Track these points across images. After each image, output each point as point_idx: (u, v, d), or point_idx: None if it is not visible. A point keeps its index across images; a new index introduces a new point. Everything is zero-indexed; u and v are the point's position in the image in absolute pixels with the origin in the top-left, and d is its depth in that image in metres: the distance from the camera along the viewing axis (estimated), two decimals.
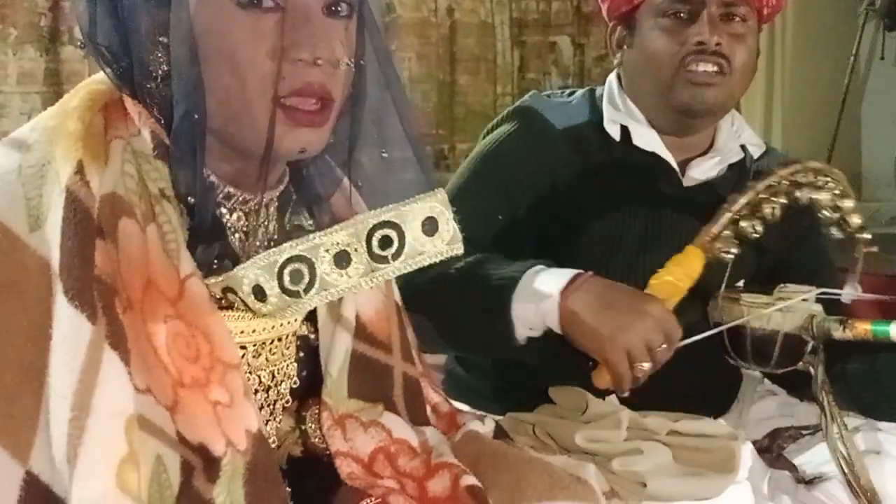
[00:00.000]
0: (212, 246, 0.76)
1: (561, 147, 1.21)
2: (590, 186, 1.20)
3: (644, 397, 1.07)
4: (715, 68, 1.17)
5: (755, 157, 1.28)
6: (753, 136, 1.30)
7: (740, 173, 1.25)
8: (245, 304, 0.74)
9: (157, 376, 0.68)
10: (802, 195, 1.08)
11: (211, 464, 0.69)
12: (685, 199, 1.22)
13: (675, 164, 1.23)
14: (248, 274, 0.71)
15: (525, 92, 1.52)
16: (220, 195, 0.77)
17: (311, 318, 0.85)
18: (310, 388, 0.85)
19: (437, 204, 0.74)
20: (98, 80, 0.76)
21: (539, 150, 1.22)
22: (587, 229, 1.20)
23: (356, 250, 0.71)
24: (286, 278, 0.71)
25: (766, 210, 1.08)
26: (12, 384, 0.64)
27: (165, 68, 0.72)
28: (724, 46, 1.16)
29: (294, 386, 0.84)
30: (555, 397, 1.10)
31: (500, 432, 0.99)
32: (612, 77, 1.29)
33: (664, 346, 1.01)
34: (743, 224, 1.08)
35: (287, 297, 0.71)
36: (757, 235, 1.09)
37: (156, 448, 0.66)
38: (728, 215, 1.09)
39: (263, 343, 0.80)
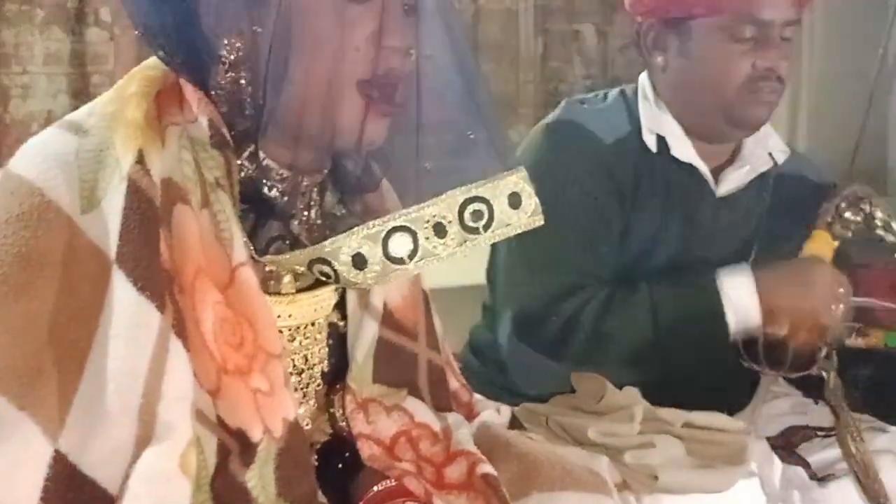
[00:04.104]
0: (269, 226, 0.79)
1: (614, 160, 1.21)
2: (635, 197, 1.21)
3: (661, 394, 1.08)
4: (776, 91, 1.19)
5: (780, 162, 1.28)
6: (780, 142, 1.30)
7: (762, 179, 1.27)
8: (331, 276, 0.76)
9: (202, 361, 0.70)
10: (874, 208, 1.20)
11: (247, 449, 0.71)
12: (717, 208, 1.24)
13: (709, 175, 1.24)
14: (349, 243, 0.74)
15: (548, 80, 1.53)
16: (276, 178, 0.79)
17: (339, 306, 0.87)
18: (337, 374, 0.87)
19: (520, 180, 0.77)
20: (151, 65, 0.76)
21: (597, 168, 1.21)
22: (628, 238, 1.21)
23: (450, 222, 0.75)
24: (391, 247, 0.74)
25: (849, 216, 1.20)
26: (53, 360, 0.65)
27: (239, 54, 0.73)
28: (783, 69, 1.18)
29: (325, 370, 0.86)
30: (575, 383, 1.11)
31: (515, 422, 1.01)
32: (644, 81, 1.27)
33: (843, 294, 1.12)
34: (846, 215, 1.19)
35: (391, 264, 0.74)
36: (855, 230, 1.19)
37: (197, 431, 0.69)
38: (835, 201, 1.20)
39: (298, 327, 0.83)
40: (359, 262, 0.74)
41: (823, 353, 1.07)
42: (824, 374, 1.06)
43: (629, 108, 1.26)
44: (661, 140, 1.22)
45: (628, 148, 1.22)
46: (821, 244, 1.18)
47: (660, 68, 1.24)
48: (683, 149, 1.22)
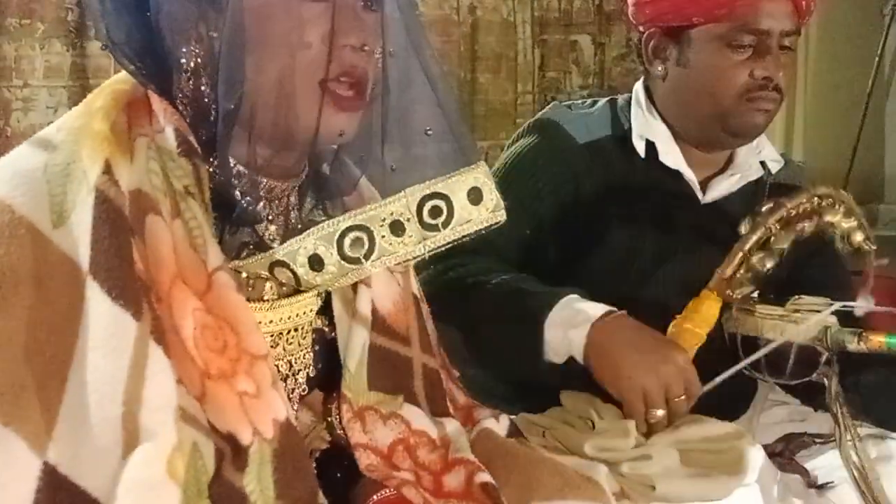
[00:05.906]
0: (240, 232, 0.79)
1: (582, 161, 1.22)
2: (610, 200, 1.21)
3: None
4: (773, 100, 1.19)
5: (773, 171, 1.29)
6: (773, 151, 1.30)
7: (756, 188, 1.27)
8: (292, 279, 0.75)
9: (185, 368, 0.70)
10: (808, 227, 1.06)
11: (239, 452, 0.71)
12: (702, 216, 1.24)
13: (696, 183, 1.24)
14: (305, 245, 0.73)
15: (546, 91, 1.55)
16: (247, 184, 0.79)
17: (325, 311, 0.87)
18: (330, 382, 0.87)
19: (480, 175, 0.77)
20: (121, 79, 0.77)
21: (561, 163, 1.22)
22: (606, 243, 1.21)
23: (408, 220, 0.74)
24: (346, 246, 0.74)
25: (777, 246, 1.06)
26: (34, 375, 0.65)
27: (198, 61, 0.74)
28: (781, 79, 1.18)
29: (311, 375, 0.86)
30: (565, 403, 1.11)
31: (514, 430, 1.01)
32: (639, 87, 1.28)
33: (683, 396, 1.01)
34: (754, 260, 1.05)
35: (347, 265, 0.74)
36: (769, 271, 1.06)
37: (192, 435, 0.69)
38: (739, 255, 1.05)
39: (280, 333, 0.83)
40: (315, 263, 0.74)
41: (824, 358, 1.07)
42: (825, 380, 1.06)
43: (614, 116, 1.27)
44: (650, 146, 1.23)
45: (601, 150, 1.23)
46: (700, 318, 1.05)
47: (660, 77, 1.24)
48: (671, 155, 1.23)
